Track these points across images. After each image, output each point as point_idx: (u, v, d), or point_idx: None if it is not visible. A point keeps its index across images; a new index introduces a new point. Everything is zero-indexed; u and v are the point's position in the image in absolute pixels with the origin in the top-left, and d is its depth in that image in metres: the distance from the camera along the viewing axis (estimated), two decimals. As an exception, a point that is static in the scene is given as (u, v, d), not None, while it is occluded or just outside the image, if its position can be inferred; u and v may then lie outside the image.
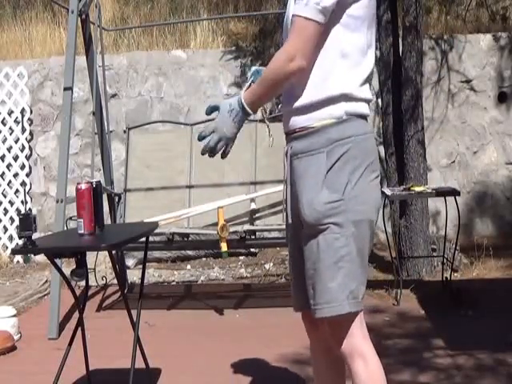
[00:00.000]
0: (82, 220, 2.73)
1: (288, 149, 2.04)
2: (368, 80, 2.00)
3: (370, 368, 1.96)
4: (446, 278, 4.58)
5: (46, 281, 5.25)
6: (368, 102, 2.01)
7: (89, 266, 2.87)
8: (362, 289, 1.96)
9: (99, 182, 2.90)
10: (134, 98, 6.88)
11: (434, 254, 5.34)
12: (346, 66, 1.94)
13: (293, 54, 1.87)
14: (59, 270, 2.99)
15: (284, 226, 4.41)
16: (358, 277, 1.94)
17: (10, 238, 6.76)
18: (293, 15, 1.91)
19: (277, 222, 4.65)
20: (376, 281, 5.04)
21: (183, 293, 5.19)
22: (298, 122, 1.99)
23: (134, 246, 3.64)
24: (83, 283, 3.14)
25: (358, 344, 1.98)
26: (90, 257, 4.37)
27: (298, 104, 1.98)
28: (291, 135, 2.02)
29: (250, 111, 1.96)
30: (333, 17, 1.90)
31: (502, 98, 6.72)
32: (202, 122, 5.28)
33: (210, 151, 2.03)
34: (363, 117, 1.99)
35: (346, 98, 1.95)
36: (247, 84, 2.02)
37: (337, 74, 1.94)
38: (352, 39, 1.94)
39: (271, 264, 5.98)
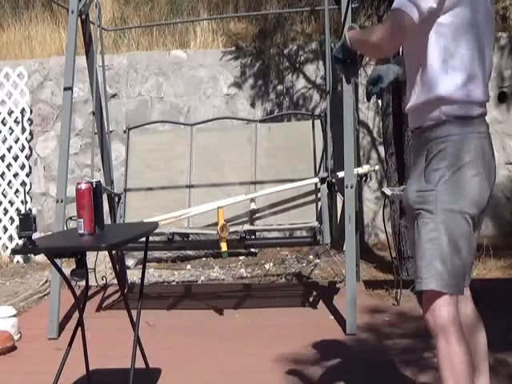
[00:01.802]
0: (81, 220, 2.74)
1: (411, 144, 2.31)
2: (472, 80, 2.12)
3: (453, 350, 2.09)
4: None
5: (46, 281, 5.26)
6: (472, 103, 2.13)
7: (89, 266, 2.87)
8: (452, 274, 2.09)
9: (99, 181, 2.90)
10: (133, 98, 6.88)
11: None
12: (445, 71, 2.11)
13: (381, 35, 2.09)
14: (59, 270, 2.99)
15: (283, 226, 4.49)
16: (448, 261, 2.08)
17: (10, 238, 6.77)
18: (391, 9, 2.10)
19: (277, 221, 4.65)
20: (376, 281, 5.05)
21: (183, 293, 5.18)
22: (412, 122, 2.29)
23: (133, 246, 3.64)
24: (83, 283, 3.14)
25: (443, 324, 2.10)
26: (90, 257, 4.37)
27: (409, 106, 2.25)
28: (411, 133, 2.32)
29: (349, 44, 2.26)
30: (430, 25, 2.09)
31: (501, 97, 6.72)
32: (202, 122, 5.31)
33: None
34: (464, 118, 2.13)
35: (444, 101, 2.13)
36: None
37: (436, 79, 2.12)
38: (450, 46, 2.10)
39: (271, 264, 5.98)
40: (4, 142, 6.78)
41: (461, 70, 2.11)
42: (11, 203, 6.79)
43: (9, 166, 6.80)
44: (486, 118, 2.22)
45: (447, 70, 2.11)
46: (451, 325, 2.10)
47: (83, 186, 2.77)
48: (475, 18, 2.12)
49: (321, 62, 6.69)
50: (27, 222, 2.54)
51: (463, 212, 2.10)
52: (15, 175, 6.81)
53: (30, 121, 6.88)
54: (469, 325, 2.33)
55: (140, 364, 2.92)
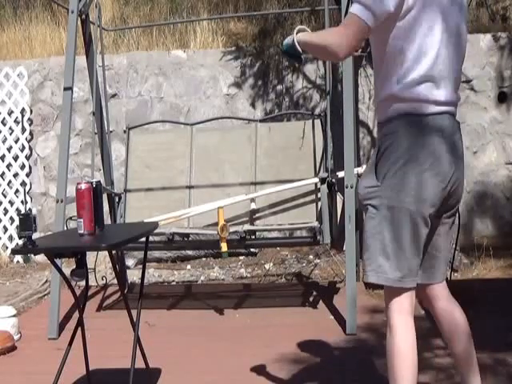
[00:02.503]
0: (81, 220, 2.74)
1: None
2: (427, 81, 2.15)
3: (393, 340, 2.16)
4: (446, 278, 4.57)
5: (46, 281, 5.26)
6: (423, 101, 2.16)
7: (89, 266, 2.87)
8: (396, 268, 2.14)
9: (99, 181, 2.90)
10: (134, 98, 6.88)
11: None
12: (399, 71, 2.17)
13: (340, 44, 2.14)
14: (59, 270, 2.99)
15: (283, 226, 4.51)
16: (391, 256, 2.14)
17: (10, 238, 6.77)
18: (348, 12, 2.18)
19: (277, 221, 4.65)
20: (376, 281, 5.04)
21: (183, 293, 5.18)
22: (377, 117, 2.34)
23: (133, 245, 3.64)
24: (83, 283, 3.14)
25: (391, 316, 2.20)
26: (90, 257, 4.37)
27: (375, 102, 2.34)
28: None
29: (298, 48, 2.31)
30: (386, 28, 2.14)
31: (501, 97, 6.71)
32: (202, 121, 5.31)
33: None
34: (413, 115, 2.16)
35: (395, 98, 2.19)
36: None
37: (391, 78, 2.19)
38: (404, 47, 2.14)
39: (271, 264, 5.98)
40: (4, 142, 6.78)
41: (414, 71, 2.15)
42: (11, 203, 6.79)
43: (9, 166, 6.80)
44: (447, 116, 2.20)
45: (402, 71, 2.16)
46: (397, 316, 2.18)
47: (83, 186, 2.77)
48: (434, 20, 2.15)
49: (321, 62, 6.68)
50: (27, 222, 2.54)
51: (406, 208, 2.12)
52: (15, 175, 6.81)
53: (30, 121, 6.88)
54: (447, 325, 2.38)
55: (140, 364, 2.92)
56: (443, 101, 2.19)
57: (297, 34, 2.33)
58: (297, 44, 2.30)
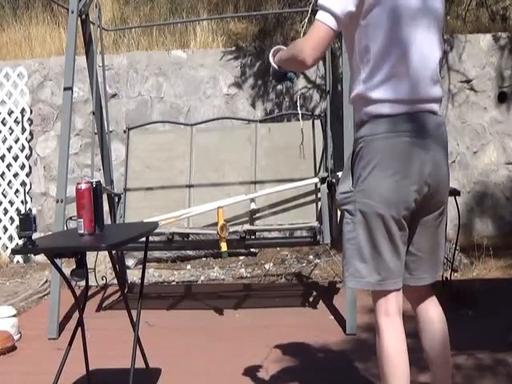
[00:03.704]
0: (81, 220, 2.74)
1: None
2: (394, 79, 2.09)
3: (382, 343, 2.22)
4: (446, 278, 4.58)
5: (46, 281, 5.26)
6: (392, 101, 2.10)
7: (89, 266, 2.86)
8: (374, 271, 2.15)
9: (99, 181, 2.90)
10: (133, 98, 6.88)
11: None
12: (365, 70, 2.13)
13: (304, 49, 2.12)
14: (59, 270, 2.99)
15: (283, 226, 4.53)
16: (369, 260, 2.14)
17: (10, 238, 6.77)
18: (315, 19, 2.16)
19: (277, 222, 4.65)
20: (376, 281, 5.04)
21: (183, 293, 5.19)
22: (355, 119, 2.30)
23: (134, 245, 3.64)
24: (83, 283, 3.14)
25: (378, 319, 2.25)
26: (90, 257, 4.37)
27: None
28: None
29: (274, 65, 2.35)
30: (354, 27, 2.12)
31: (501, 98, 6.72)
32: (202, 122, 5.31)
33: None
34: (383, 116, 2.11)
35: (364, 100, 2.14)
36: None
37: (358, 78, 2.16)
38: (369, 45, 2.11)
39: (271, 264, 5.98)
40: (4, 142, 6.78)
41: (379, 70, 2.10)
42: (11, 203, 6.79)
43: (9, 166, 6.80)
44: (423, 114, 2.13)
45: (368, 69, 2.12)
46: (384, 319, 2.24)
47: (83, 186, 2.77)
48: (400, 16, 2.08)
49: (321, 62, 6.68)
50: (27, 222, 2.54)
51: (377, 213, 2.10)
52: (15, 175, 6.81)
53: (30, 121, 6.88)
54: (426, 331, 2.44)
55: (140, 364, 2.92)
56: (415, 99, 2.12)
57: (273, 56, 2.36)
58: (276, 67, 2.34)
